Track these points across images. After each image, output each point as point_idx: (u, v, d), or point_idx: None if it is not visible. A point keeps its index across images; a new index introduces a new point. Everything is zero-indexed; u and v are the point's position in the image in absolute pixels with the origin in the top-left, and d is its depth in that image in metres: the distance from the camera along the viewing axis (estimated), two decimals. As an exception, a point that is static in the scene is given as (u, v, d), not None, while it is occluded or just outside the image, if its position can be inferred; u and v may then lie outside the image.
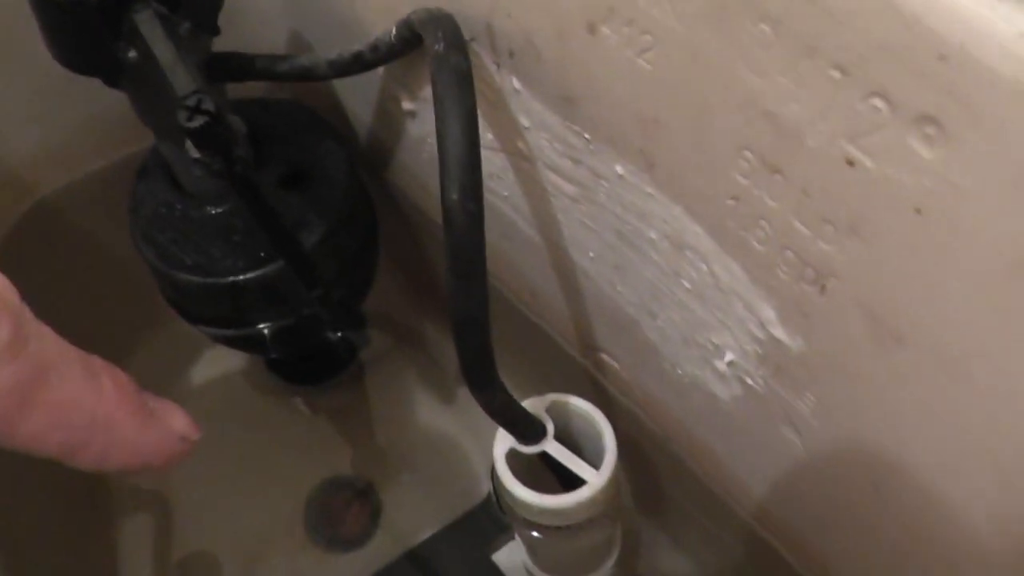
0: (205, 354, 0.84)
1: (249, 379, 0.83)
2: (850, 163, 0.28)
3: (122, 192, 0.62)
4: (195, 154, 0.44)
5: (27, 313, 0.21)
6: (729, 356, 0.41)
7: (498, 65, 0.43)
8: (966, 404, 0.30)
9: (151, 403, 0.25)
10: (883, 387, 0.33)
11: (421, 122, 0.55)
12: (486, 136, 0.48)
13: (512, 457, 0.50)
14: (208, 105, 0.42)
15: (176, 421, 0.26)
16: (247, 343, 0.63)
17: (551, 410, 0.50)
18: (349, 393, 0.84)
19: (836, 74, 0.27)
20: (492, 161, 0.49)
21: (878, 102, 0.26)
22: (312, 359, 0.81)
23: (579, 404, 0.50)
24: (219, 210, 0.57)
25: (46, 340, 0.21)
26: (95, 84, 0.51)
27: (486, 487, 0.77)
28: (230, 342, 0.64)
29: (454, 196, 0.36)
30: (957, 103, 0.25)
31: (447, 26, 0.40)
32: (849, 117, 0.28)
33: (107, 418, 0.23)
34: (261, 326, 0.60)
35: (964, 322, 0.29)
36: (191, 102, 0.42)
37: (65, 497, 0.74)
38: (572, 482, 0.49)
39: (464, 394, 0.81)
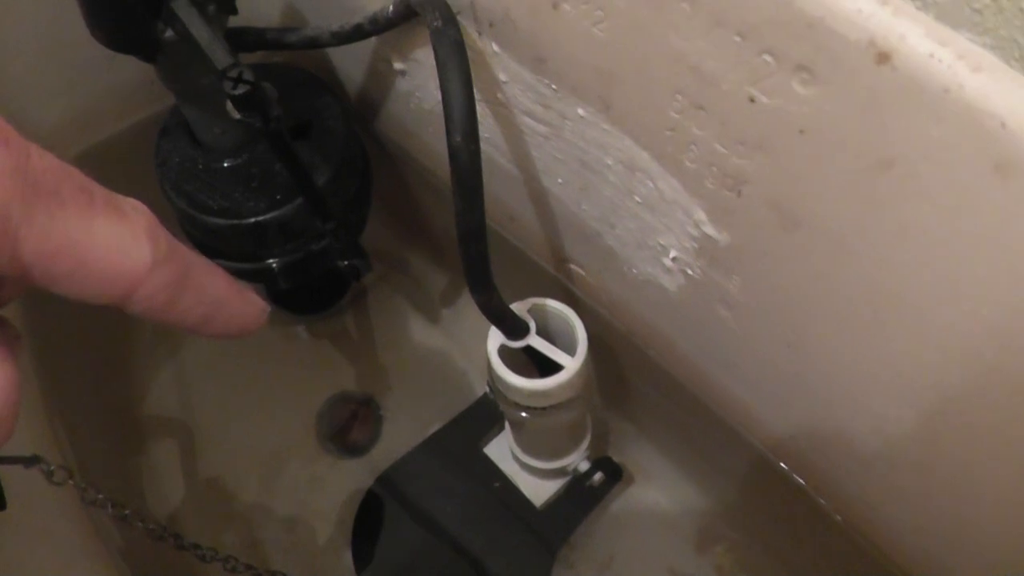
0: (215, 292, 0.92)
1: (256, 312, 0.91)
2: (752, 100, 0.39)
3: (140, 152, 0.69)
4: (236, 116, 0.53)
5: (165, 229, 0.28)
6: (673, 253, 0.52)
7: (480, 33, 0.52)
8: (849, 270, 0.41)
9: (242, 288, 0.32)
10: (789, 263, 0.44)
11: (410, 79, 0.64)
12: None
13: (502, 353, 0.60)
14: (248, 76, 0.51)
15: (259, 301, 0.32)
16: (259, 275, 0.71)
17: (532, 311, 0.60)
18: (346, 320, 0.93)
19: (738, 39, 0.37)
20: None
21: (768, 57, 0.37)
22: (312, 290, 0.90)
23: (555, 305, 0.60)
24: (237, 162, 0.65)
25: (181, 245, 0.28)
26: (113, 57, 0.56)
27: (474, 392, 0.86)
28: (243, 275, 0.70)
29: (458, 138, 0.46)
30: (822, 56, 0.35)
31: (440, 4, 0.49)
32: (749, 68, 0.38)
33: (225, 297, 0.30)
34: (272, 260, 0.69)
35: (843, 207, 0.39)
36: (233, 74, 0.51)
37: (100, 428, 0.82)
38: (552, 372, 0.59)
39: (448, 314, 0.92)
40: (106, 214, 0.25)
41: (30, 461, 0.50)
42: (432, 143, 0.69)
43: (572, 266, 0.65)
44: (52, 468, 0.52)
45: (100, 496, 0.56)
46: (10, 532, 0.56)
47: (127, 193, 0.26)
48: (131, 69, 0.74)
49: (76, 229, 0.24)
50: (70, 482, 0.53)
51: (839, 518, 0.58)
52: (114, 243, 0.25)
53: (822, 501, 0.59)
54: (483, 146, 0.60)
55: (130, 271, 0.25)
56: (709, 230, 0.47)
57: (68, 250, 0.24)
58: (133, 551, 0.64)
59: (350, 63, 0.71)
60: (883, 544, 0.56)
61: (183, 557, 0.60)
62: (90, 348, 0.84)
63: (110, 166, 0.80)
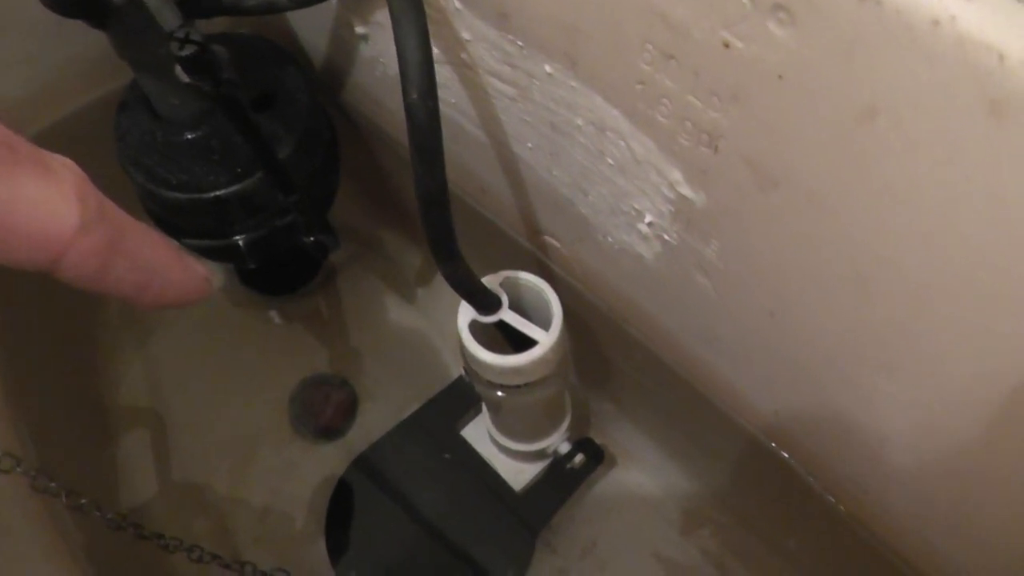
0: (184, 276, 0.89)
1: (226, 295, 0.89)
2: (726, 46, 0.36)
3: (103, 129, 0.66)
4: (186, 79, 0.50)
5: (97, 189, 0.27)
6: (649, 218, 0.49)
7: (441, -11, 0.50)
8: (830, 231, 0.39)
9: (183, 254, 0.31)
10: (768, 224, 0.42)
11: (373, 44, 0.62)
12: (433, 51, 0.55)
13: (474, 329, 0.57)
14: (195, 36, 0.49)
15: (201, 268, 0.31)
16: (226, 253, 0.68)
17: (504, 285, 0.57)
18: (319, 300, 0.90)
19: (709, -23, 0.35)
20: (439, 72, 0.55)
21: (743, -2, 0.34)
22: (283, 269, 0.88)
23: (528, 277, 0.58)
24: (197, 134, 0.63)
25: (114, 207, 0.26)
26: (71, 29, 0.54)
27: (450, 373, 0.84)
28: (210, 253, 0.69)
29: (414, 96, 0.43)
30: (799, -7, 0.33)
31: (396, -43, 0.47)
32: (722, 11, 0.35)
33: (163, 263, 0.28)
34: (238, 237, 0.66)
35: (824, 163, 0.37)
36: (180, 34, 0.49)
37: (67, 420, 0.79)
38: (526, 349, 0.56)
39: (423, 294, 0.89)
40: (31, 171, 0.23)
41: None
42: (399, 111, 0.66)
43: (546, 238, 0.63)
44: (-1, 455, 0.49)
45: (52, 484, 0.54)
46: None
47: (90, 172, 0.25)
48: (89, 43, 0.71)
49: None
50: (18, 470, 0.51)
51: (831, 498, 0.56)
52: (40, 203, 0.23)
53: (812, 481, 0.57)
54: (450, 112, 0.59)
55: (56, 234, 0.24)
56: (685, 191, 0.45)
57: None
58: (97, 547, 0.62)
59: (312, 30, 0.69)
60: (875, 525, 0.54)
61: (150, 550, 0.58)
62: (54, 338, 0.82)
63: (72, 144, 0.74)
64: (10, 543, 0.55)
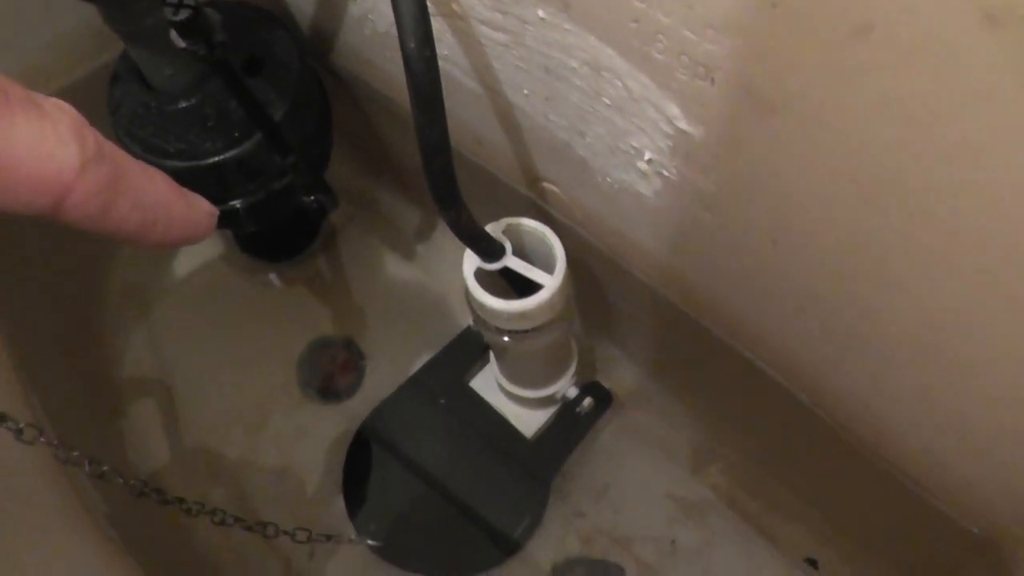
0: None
1: (227, 263, 0.90)
2: (719, -25, 0.37)
3: (93, 104, 0.66)
4: (181, 44, 0.51)
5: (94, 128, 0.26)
6: (648, 155, 0.50)
7: (429, -63, 0.50)
8: (830, 151, 0.39)
9: (185, 191, 0.30)
10: (767, 151, 0.42)
11: (362, 1, 0.62)
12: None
13: (479, 277, 0.58)
14: (189, 1, 0.49)
15: (205, 203, 0.31)
16: (225, 219, 0.68)
17: (507, 232, 0.58)
18: (319, 263, 0.91)
19: (699, -95, 0.35)
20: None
21: (733, -77, 0.35)
22: (282, 234, 0.88)
23: (530, 223, 0.58)
24: (191, 102, 0.63)
25: (112, 146, 0.26)
26: (61, 4, 0.54)
27: (455, 326, 0.85)
28: None
29: (411, 45, 0.43)
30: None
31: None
32: (713, -61, 0.36)
33: (165, 201, 0.28)
34: (237, 202, 0.66)
35: (821, 83, 0.37)
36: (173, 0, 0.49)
37: (75, 394, 0.80)
38: (531, 294, 0.57)
39: (423, 249, 0.90)
40: (25, 115, 0.23)
41: (-5, 419, 0.47)
42: (390, 69, 0.67)
43: (545, 184, 0.63)
44: (21, 426, 0.50)
45: (75, 453, 0.54)
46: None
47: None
48: (76, 18, 0.71)
49: None
50: (41, 440, 0.51)
51: (835, 424, 0.57)
52: (37, 146, 0.23)
53: (819, 412, 0.58)
54: (443, 64, 0.58)
55: (57, 175, 0.23)
56: (683, 125, 0.45)
57: None
58: (119, 516, 0.63)
59: (300, -7, 0.69)
60: (883, 449, 0.55)
61: (171, 518, 0.59)
62: (58, 312, 0.82)
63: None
64: (36, 514, 0.56)
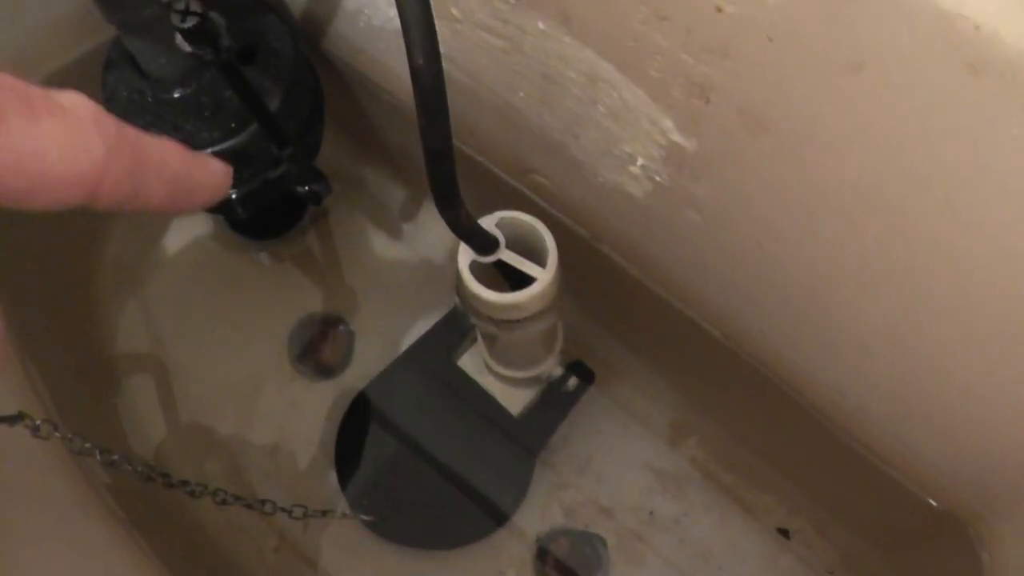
0: (172, 225, 0.91)
1: (217, 241, 0.90)
2: (719, 10, 0.39)
3: (87, 88, 0.67)
4: (188, 49, 0.51)
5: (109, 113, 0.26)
6: (641, 161, 0.52)
7: (430, -54, 0.51)
8: (813, 167, 0.42)
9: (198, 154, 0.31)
10: (758, 166, 0.44)
11: (357, -5, 0.63)
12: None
13: (473, 268, 0.59)
14: (196, 7, 0.50)
15: (218, 162, 0.31)
16: (220, 206, 0.70)
17: (500, 225, 0.59)
18: (308, 241, 0.92)
19: (701, -54, 0.37)
20: (427, 25, 0.57)
21: (732, -36, 0.37)
22: (271, 213, 0.89)
23: (523, 217, 0.60)
24: (186, 91, 0.64)
25: (128, 127, 0.26)
26: None
27: (443, 305, 0.87)
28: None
29: (420, 61, 0.44)
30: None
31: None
32: (714, -25, 0.38)
33: (186, 168, 0.28)
34: (232, 191, 0.67)
35: (811, 109, 0.39)
36: (180, 6, 0.50)
37: (72, 374, 0.81)
38: (522, 284, 0.58)
39: (409, 228, 0.91)
40: (50, 115, 0.23)
41: (14, 419, 0.49)
42: (383, 59, 0.68)
43: (536, 176, 0.65)
44: (38, 423, 0.51)
45: (87, 445, 0.56)
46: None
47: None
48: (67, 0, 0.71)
49: (24, 140, 0.22)
50: (56, 435, 0.53)
51: (809, 406, 0.60)
52: (66, 144, 0.23)
53: (794, 394, 0.60)
54: (443, 64, 0.60)
55: (88, 169, 0.24)
56: (676, 138, 0.47)
57: (21, 164, 0.22)
58: (121, 490, 0.65)
59: (294, -17, 0.69)
60: (855, 429, 0.58)
61: (172, 495, 0.61)
62: (51, 291, 0.83)
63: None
64: (54, 507, 0.58)
